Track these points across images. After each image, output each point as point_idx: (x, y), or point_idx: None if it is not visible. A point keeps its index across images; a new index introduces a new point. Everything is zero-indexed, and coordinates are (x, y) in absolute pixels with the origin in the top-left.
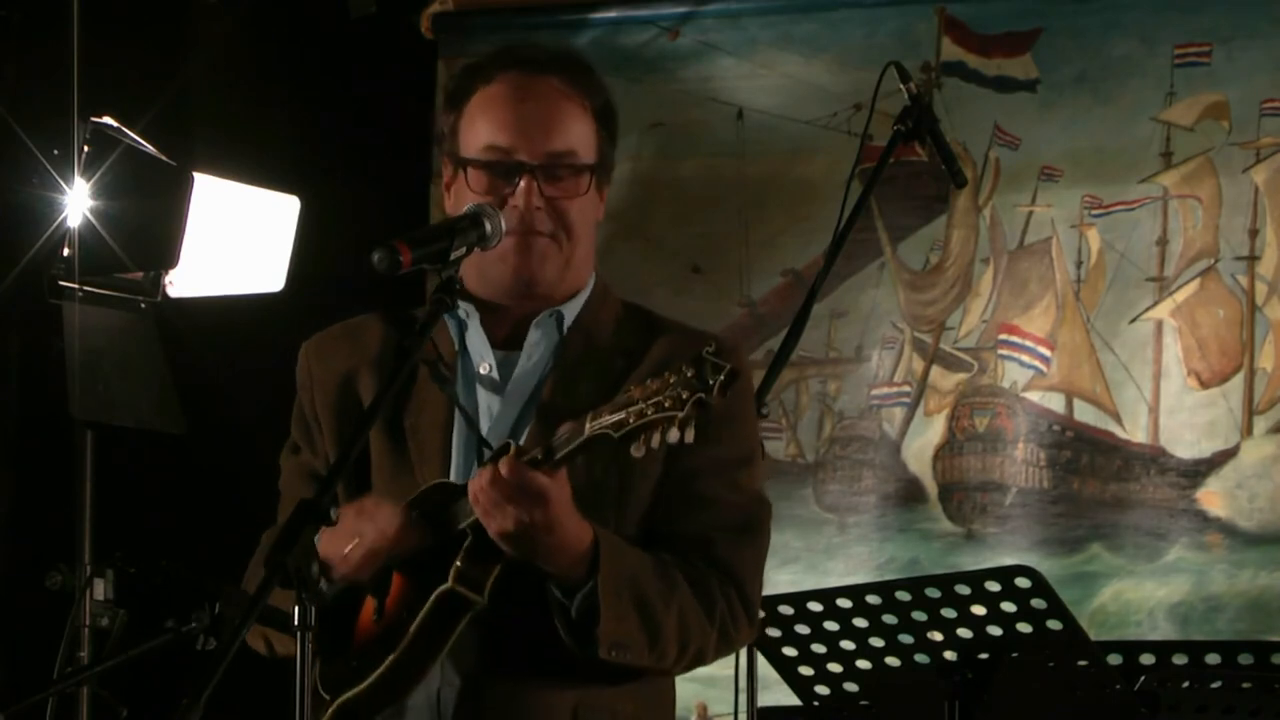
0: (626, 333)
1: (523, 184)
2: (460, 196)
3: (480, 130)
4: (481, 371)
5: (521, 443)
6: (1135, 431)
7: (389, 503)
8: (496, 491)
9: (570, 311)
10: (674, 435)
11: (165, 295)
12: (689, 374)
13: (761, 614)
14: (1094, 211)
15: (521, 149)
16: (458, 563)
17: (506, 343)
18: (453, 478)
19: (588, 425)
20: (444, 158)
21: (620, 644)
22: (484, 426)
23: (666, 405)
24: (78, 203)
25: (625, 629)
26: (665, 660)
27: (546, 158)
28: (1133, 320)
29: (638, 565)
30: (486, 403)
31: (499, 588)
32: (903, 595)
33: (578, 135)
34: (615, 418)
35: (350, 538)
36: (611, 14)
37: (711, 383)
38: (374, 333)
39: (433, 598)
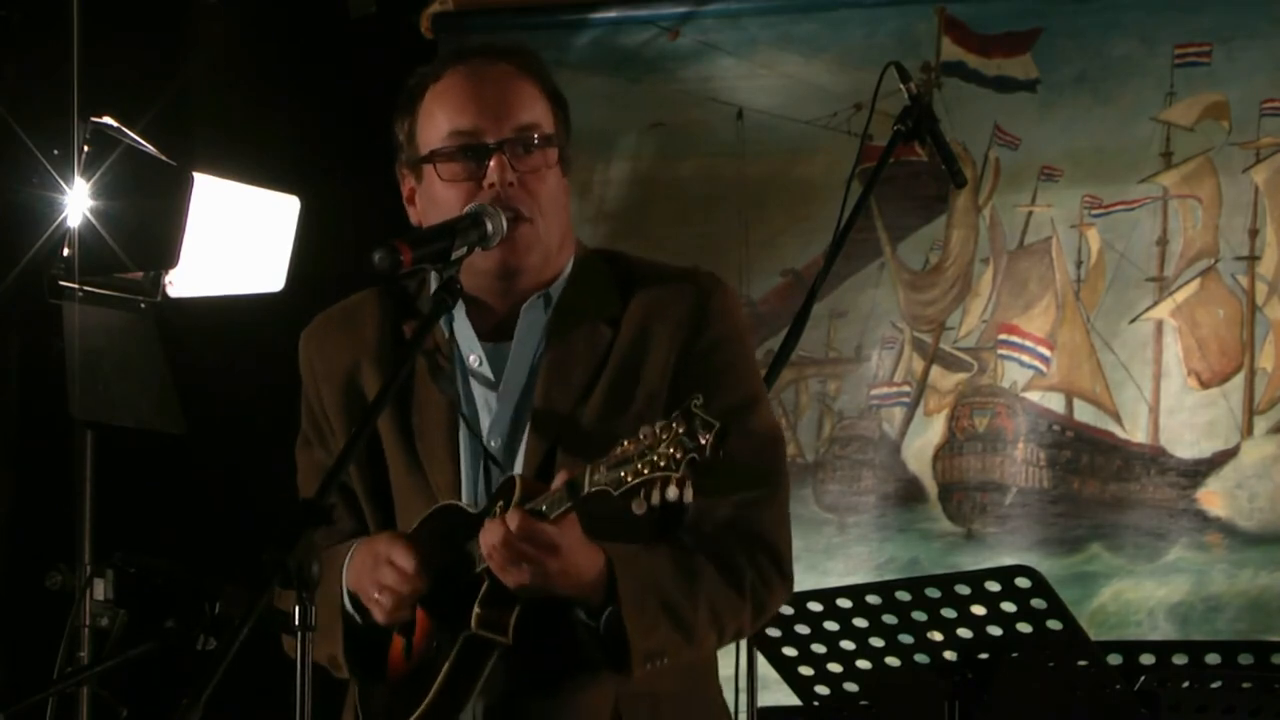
0: (605, 295)
1: (494, 162)
2: (430, 195)
3: (440, 121)
4: (472, 364)
5: (524, 446)
6: (1135, 431)
7: (400, 545)
8: (510, 550)
9: (556, 291)
10: (673, 493)
11: (165, 295)
12: (679, 429)
13: None
14: (1094, 211)
15: (488, 129)
16: (476, 609)
17: (496, 334)
18: (463, 483)
19: (585, 481)
20: (402, 169)
21: (655, 654)
22: (484, 424)
23: (661, 465)
24: (78, 203)
25: (656, 639)
26: (705, 648)
27: (515, 132)
28: (1133, 320)
29: (656, 569)
30: (484, 397)
31: (522, 612)
32: (903, 595)
33: (538, 110)
34: (612, 476)
35: (372, 583)
36: (611, 14)
37: (703, 441)
38: (371, 316)
39: (458, 643)
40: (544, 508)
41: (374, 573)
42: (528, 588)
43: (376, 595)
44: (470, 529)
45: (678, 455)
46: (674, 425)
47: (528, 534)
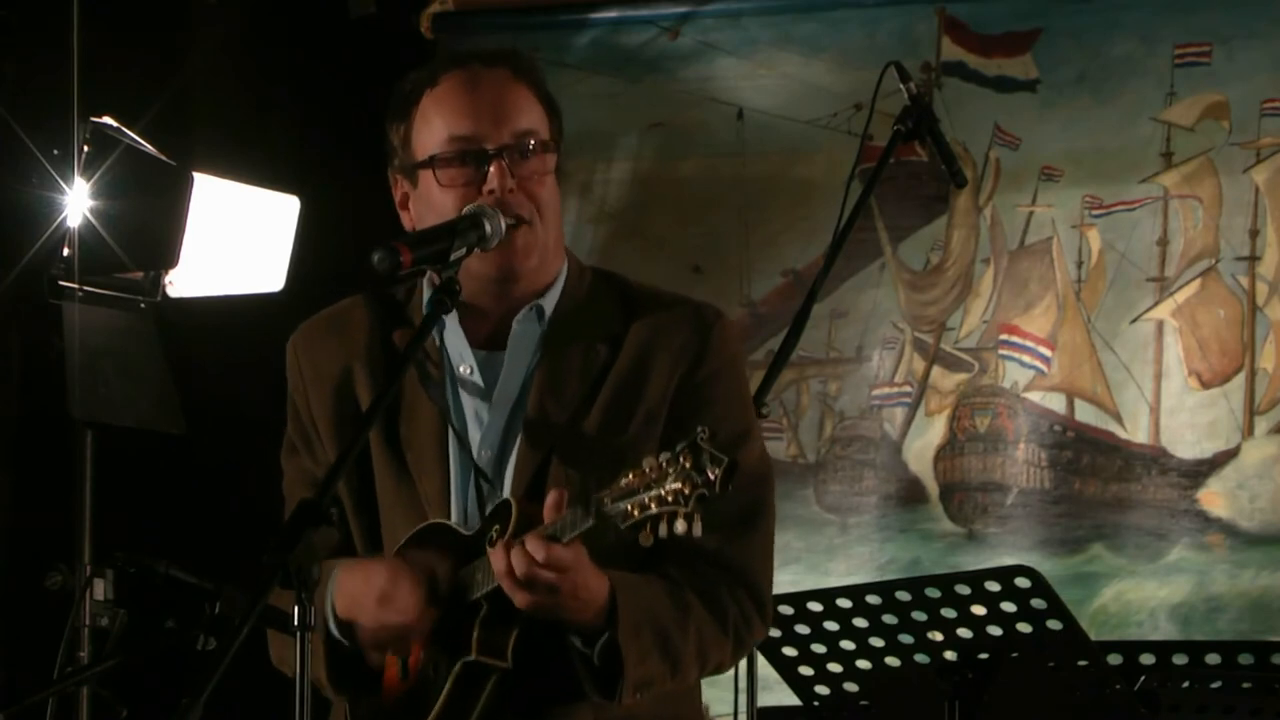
0: (605, 314)
1: (494, 168)
2: (426, 200)
3: (438, 127)
4: (462, 373)
5: (514, 459)
6: (1136, 432)
7: (405, 582)
8: (525, 571)
9: (549, 302)
10: (680, 528)
11: (165, 295)
12: (686, 464)
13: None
14: (1094, 211)
15: (487, 134)
16: (476, 633)
17: (489, 343)
18: (452, 494)
19: (592, 510)
20: (394, 174)
21: (644, 683)
22: (474, 435)
23: (669, 500)
24: (78, 203)
25: (648, 669)
26: (686, 681)
27: (514, 138)
28: (1133, 320)
29: (653, 599)
30: (474, 408)
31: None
32: (903, 595)
33: (535, 116)
34: (618, 509)
35: (374, 621)
36: (611, 14)
37: (712, 476)
38: (360, 321)
39: (457, 668)
40: (555, 531)
41: (378, 612)
42: (539, 607)
43: (379, 631)
44: (462, 551)
45: (686, 490)
46: (680, 459)
47: (545, 555)
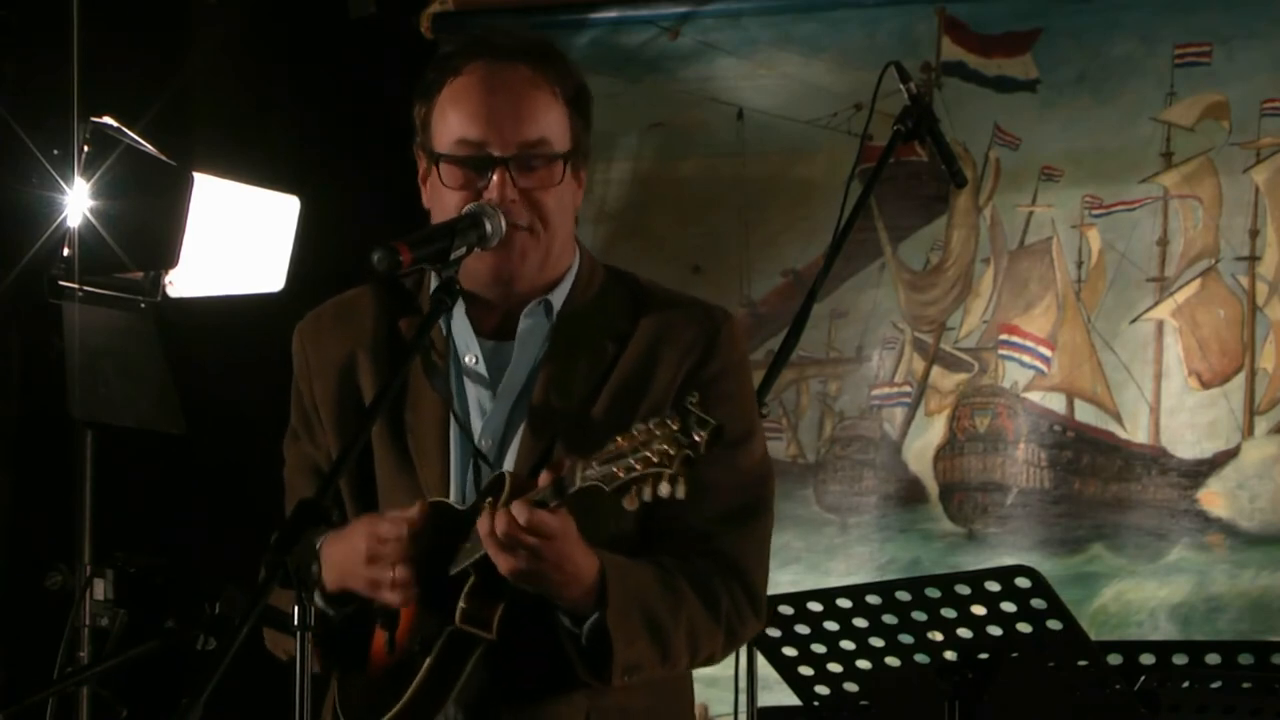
0: (615, 311)
1: (495, 177)
2: (436, 191)
3: (451, 124)
4: (468, 362)
5: (516, 447)
6: (1136, 432)
7: (386, 529)
8: (508, 533)
9: (558, 298)
10: (665, 490)
11: (165, 295)
12: (674, 426)
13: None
14: (1094, 211)
15: (493, 141)
16: (462, 603)
17: (496, 333)
18: (451, 481)
19: (578, 475)
20: (418, 149)
21: (633, 666)
22: (476, 424)
23: (655, 461)
24: (78, 203)
25: (637, 651)
26: (677, 668)
27: (519, 148)
28: (1133, 320)
29: (644, 583)
30: (476, 396)
31: (506, 615)
32: (903, 595)
33: (549, 123)
34: (604, 470)
35: (367, 582)
36: (611, 14)
37: (698, 439)
38: (367, 311)
39: (442, 637)
40: (543, 497)
41: (370, 571)
42: (522, 573)
43: (394, 575)
44: (457, 526)
45: (672, 451)
46: (668, 422)
47: (529, 519)
